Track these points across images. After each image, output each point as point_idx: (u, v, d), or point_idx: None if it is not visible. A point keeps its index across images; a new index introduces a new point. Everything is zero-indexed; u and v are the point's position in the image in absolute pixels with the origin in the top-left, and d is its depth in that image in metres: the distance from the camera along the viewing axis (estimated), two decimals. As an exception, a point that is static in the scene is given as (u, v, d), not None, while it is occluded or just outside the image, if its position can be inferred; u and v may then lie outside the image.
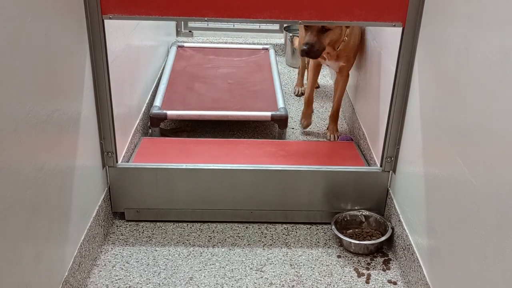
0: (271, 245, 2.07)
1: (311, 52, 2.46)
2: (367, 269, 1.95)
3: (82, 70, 1.76)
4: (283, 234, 2.13)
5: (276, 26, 4.18)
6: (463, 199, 1.40)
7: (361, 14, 1.80)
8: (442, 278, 1.56)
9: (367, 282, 1.89)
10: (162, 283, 1.85)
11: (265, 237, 2.11)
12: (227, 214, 2.17)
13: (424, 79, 1.76)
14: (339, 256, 2.01)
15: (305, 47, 2.45)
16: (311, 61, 2.88)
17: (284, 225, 2.18)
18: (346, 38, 2.56)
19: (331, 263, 1.98)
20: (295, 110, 3.18)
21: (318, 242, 2.09)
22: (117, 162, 2.06)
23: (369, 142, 2.46)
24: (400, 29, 1.84)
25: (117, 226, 2.14)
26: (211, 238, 2.09)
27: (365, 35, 2.70)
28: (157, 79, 3.21)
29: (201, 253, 2.01)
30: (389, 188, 2.12)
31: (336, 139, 2.83)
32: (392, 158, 2.06)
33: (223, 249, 2.03)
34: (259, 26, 4.17)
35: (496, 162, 1.22)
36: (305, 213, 2.17)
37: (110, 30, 1.91)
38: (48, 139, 1.47)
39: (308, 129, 2.95)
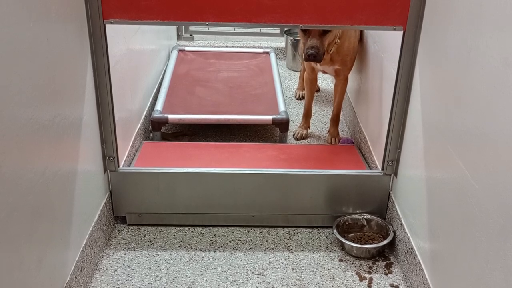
0: (272, 249, 2.07)
1: (318, 55, 2.39)
2: (369, 273, 1.95)
3: (84, 74, 1.76)
4: (285, 238, 2.13)
5: (277, 30, 4.18)
6: (465, 203, 1.40)
7: (362, 18, 1.80)
8: (444, 282, 1.56)
9: (369, 286, 1.88)
10: (164, 287, 1.85)
11: (266, 241, 2.11)
12: (228, 218, 2.17)
13: (425, 82, 1.76)
14: (341, 260, 2.01)
15: (312, 51, 2.37)
16: (307, 74, 2.85)
17: (286, 229, 2.18)
18: (338, 41, 2.54)
19: (333, 267, 1.97)
20: (296, 114, 3.18)
21: (319, 246, 2.09)
22: (118, 166, 2.06)
23: (370, 145, 2.46)
24: (401, 32, 1.84)
25: (119, 230, 2.14)
26: (212, 242, 2.09)
27: (365, 39, 2.71)
28: (158, 83, 3.21)
29: (203, 257, 2.00)
30: (391, 192, 2.12)
31: (337, 143, 2.82)
32: (394, 162, 2.06)
33: (224, 253, 2.03)
34: (260, 30, 4.18)
35: (497, 165, 1.22)
36: (306, 217, 2.17)
37: (111, 34, 1.91)
38: (49, 144, 1.47)
39: (309, 132, 2.94)
